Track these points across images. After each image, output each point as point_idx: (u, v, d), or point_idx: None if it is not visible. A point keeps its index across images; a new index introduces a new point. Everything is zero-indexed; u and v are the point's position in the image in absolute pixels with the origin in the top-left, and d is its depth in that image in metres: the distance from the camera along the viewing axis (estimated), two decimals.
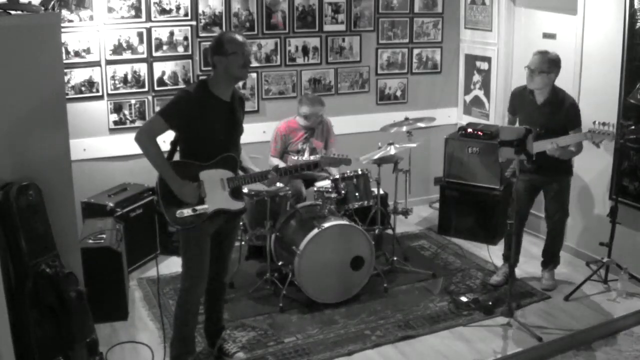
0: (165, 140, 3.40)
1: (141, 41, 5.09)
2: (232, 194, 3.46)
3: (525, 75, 4.37)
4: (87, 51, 4.94)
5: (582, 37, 4.91)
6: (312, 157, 4.27)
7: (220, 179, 3.40)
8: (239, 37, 3.34)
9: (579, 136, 4.22)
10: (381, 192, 4.96)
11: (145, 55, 5.13)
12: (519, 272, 4.73)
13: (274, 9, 5.50)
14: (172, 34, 5.18)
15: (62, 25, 4.43)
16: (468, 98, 6.37)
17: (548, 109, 4.36)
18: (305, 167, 3.72)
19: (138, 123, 5.15)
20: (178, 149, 3.44)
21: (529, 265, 4.94)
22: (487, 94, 6.10)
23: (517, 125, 4.54)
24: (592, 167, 4.81)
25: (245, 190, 4.44)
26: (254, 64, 5.47)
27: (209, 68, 3.52)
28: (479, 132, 5.57)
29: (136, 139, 3.29)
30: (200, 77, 4.97)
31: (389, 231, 5.14)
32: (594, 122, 4.11)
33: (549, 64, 4.27)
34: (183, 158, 3.40)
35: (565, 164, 4.47)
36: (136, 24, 5.05)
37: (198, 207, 3.34)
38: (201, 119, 3.29)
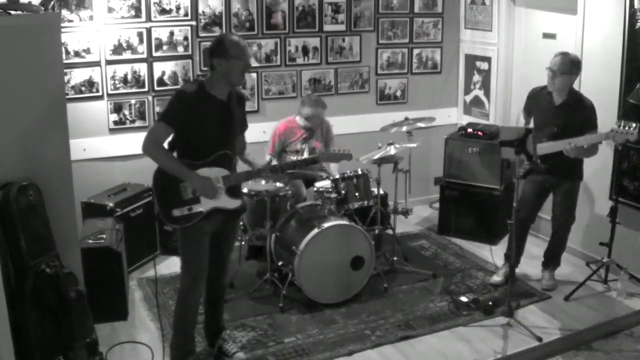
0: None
1: (141, 41, 5.09)
2: (229, 192, 3.44)
3: (547, 76, 4.31)
4: (87, 51, 4.94)
5: (582, 37, 4.91)
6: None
7: (215, 178, 3.39)
8: (242, 42, 3.32)
9: (600, 136, 4.15)
10: (381, 192, 4.95)
11: (145, 55, 5.13)
12: (519, 272, 4.73)
13: (274, 9, 5.50)
14: (172, 34, 5.18)
15: (62, 25, 4.43)
16: (468, 98, 6.37)
17: (565, 110, 4.31)
18: (303, 163, 3.70)
19: (138, 123, 5.17)
20: (176, 150, 3.43)
21: (529, 265, 4.93)
22: (487, 94, 6.10)
23: (532, 125, 4.51)
24: (592, 167, 4.80)
25: (245, 190, 4.44)
26: (254, 64, 5.47)
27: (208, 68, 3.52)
28: (479, 132, 5.57)
29: (144, 150, 3.30)
30: (198, 78, 4.97)
31: (389, 231, 5.14)
32: (618, 123, 4.03)
33: (571, 65, 4.24)
34: (180, 158, 3.39)
35: (577, 167, 4.44)
36: (136, 24, 5.05)
37: (193, 206, 3.34)
38: (196, 117, 3.28)
